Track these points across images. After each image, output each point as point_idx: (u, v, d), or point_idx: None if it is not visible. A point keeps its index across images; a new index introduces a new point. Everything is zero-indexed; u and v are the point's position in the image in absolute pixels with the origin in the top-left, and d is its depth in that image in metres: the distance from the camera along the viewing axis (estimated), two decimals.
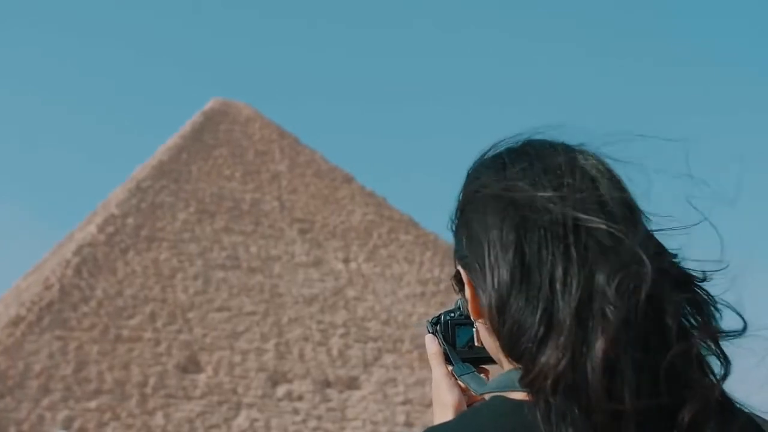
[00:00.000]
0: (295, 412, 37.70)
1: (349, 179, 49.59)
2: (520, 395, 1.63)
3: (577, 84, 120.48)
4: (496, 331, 1.69)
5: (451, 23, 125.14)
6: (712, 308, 1.67)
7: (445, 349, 2.04)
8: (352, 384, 39.34)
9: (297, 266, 43.45)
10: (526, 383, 1.60)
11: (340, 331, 41.16)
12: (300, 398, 38.15)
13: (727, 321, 1.68)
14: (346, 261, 44.67)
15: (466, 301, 1.83)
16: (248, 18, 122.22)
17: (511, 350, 1.67)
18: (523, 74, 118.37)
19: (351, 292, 43.11)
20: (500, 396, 1.68)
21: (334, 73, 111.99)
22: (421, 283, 44.46)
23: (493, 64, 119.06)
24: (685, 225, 1.71)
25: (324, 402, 38.35)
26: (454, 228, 1.85)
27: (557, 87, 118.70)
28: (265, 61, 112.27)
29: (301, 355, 39.61)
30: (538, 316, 1.60)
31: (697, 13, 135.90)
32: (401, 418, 37.83)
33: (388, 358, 40.53)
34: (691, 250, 1.71)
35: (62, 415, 34.28)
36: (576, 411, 1.54)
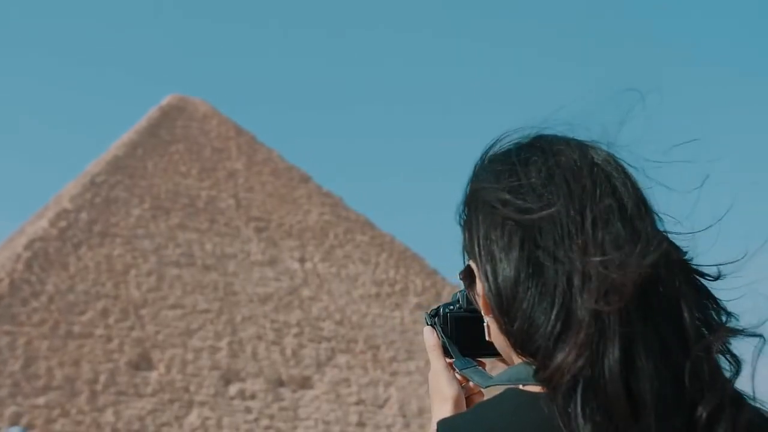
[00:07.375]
0: (248, 410, 37.50)
1: (306, 179, 49.43)
2: (534, 388, 1.62)
3: (552, 87, 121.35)
4: (504, 330, 1.69)
5: (406, 26, 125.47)
6: (722, 309, 1.69)
7: (443, 342, 2.01)
8: (305, 383, 39.22)
9: (252, 265, 43.22)
10: (542, 379, 1.59)
11: (294, 330, 41.03)
12: (252, 397, 37.95)
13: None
14: (301, 260, 44.53)
15: (478, 295, 1.80)
16: (206, 17, 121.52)
17: (523, 347, 1.66)
18: (479, 77, 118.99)
19: (306, 292, 42.98)
20: (515, 388, 1.66)
21: (291, 73, 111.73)
22: (376, 284, 44.42)
23: (450, 66, 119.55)
24: (692, 231, 1.71)
25: (276, 401, 38.20)
26: (462, 222, 1.82)
27: (520, 91, 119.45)
28: (223, 59, 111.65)
29: (255, 354, 39.42)
30: (554, 312, 1.59)
31: (691, 13, 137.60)
32: (354, 419, 37.75)
33: (341, 358, 40.48)
34: (705, 251, 1.72)
35: (10, 411, 33.76)
36: (595, 406, 1.53)
